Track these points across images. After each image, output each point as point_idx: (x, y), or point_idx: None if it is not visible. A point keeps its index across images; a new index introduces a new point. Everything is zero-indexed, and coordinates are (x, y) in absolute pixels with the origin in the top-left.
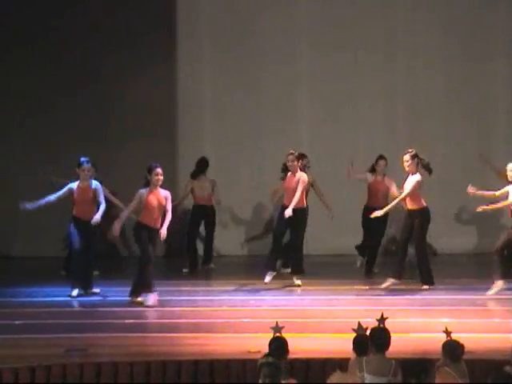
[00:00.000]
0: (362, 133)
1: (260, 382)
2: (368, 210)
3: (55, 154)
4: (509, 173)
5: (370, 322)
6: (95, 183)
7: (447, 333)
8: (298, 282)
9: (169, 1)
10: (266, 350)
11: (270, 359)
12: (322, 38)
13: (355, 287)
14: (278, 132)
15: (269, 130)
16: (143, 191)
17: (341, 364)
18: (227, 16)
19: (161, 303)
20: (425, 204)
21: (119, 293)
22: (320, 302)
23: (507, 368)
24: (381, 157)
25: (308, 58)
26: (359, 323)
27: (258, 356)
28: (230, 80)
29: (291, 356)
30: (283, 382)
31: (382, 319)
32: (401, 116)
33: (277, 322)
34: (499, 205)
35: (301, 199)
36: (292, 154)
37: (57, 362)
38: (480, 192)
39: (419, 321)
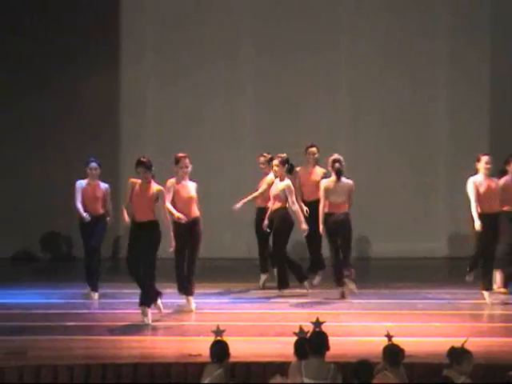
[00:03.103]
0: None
1: None
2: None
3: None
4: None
5: (312, 326)
6: None
7: (389, 337)
8: None
9: (113, 9)
10: (206, 353)
11: None
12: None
13: (297, 291)
14: (220, 136)
15: (212, 134)
16: None
17: (281, 368)
18: (171, 20)
19: (101, 306)
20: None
21: (62, 295)
22: (262, 306)
23: (445, 371)
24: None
25: (253, 65)
26: (300, 327)
27: (200, 359)
28: (173, 83)
29: (232, 360)
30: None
31: (317, 322)
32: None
33: (218, 326)
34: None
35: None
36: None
37: None
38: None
39: (361, 325)
